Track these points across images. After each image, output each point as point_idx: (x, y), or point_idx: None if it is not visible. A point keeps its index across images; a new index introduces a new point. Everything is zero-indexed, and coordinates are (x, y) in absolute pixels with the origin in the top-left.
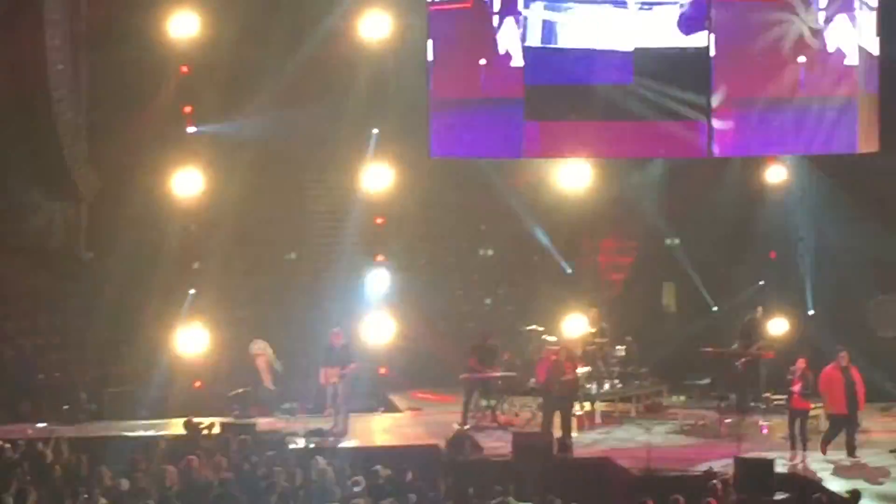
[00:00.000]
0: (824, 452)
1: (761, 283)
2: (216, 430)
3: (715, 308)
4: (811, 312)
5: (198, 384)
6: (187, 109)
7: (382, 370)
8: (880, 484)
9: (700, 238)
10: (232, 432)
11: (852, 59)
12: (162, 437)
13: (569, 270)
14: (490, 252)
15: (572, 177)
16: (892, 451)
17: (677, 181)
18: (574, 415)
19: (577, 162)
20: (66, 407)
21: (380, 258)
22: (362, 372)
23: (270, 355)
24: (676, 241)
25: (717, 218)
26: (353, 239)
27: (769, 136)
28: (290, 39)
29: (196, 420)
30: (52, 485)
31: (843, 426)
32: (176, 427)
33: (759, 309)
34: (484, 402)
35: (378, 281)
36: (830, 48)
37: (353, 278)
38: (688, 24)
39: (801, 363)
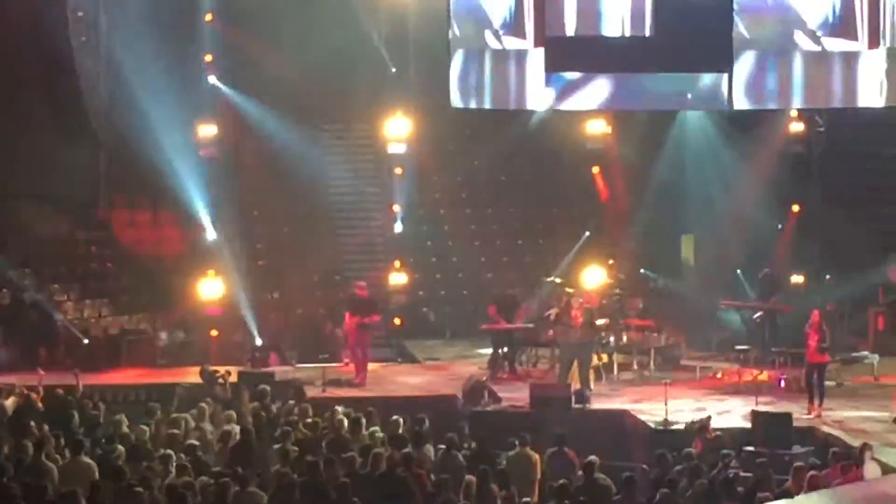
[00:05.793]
0: None
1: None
2: (232, 378)
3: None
4: (828, 277)
5: (215, 333)
6: (208, 58)
7: (398, 321)
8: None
9: (720, 191)
10: (249, 381)
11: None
12: (179, 384)
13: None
14: (508, 204)
15: (593, 129)
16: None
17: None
18: (592, 367)
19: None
20: (84, 354)
21: (395, 209)
22: (382, 322)
23: None
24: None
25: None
26: (371, 189)
27: (790, 89)
28: None
29: (212, 368)
30: (71, 432)
31: None
32: (192, 375)
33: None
34: (501, 353)
35: (396, 232)
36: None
37: (374, 229)
38: None
39: (815, 316)
